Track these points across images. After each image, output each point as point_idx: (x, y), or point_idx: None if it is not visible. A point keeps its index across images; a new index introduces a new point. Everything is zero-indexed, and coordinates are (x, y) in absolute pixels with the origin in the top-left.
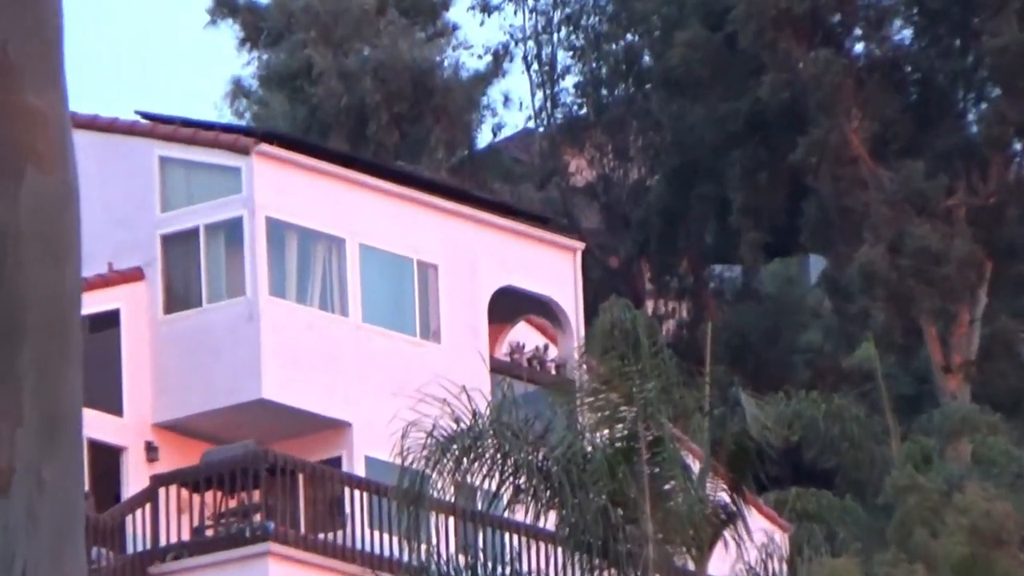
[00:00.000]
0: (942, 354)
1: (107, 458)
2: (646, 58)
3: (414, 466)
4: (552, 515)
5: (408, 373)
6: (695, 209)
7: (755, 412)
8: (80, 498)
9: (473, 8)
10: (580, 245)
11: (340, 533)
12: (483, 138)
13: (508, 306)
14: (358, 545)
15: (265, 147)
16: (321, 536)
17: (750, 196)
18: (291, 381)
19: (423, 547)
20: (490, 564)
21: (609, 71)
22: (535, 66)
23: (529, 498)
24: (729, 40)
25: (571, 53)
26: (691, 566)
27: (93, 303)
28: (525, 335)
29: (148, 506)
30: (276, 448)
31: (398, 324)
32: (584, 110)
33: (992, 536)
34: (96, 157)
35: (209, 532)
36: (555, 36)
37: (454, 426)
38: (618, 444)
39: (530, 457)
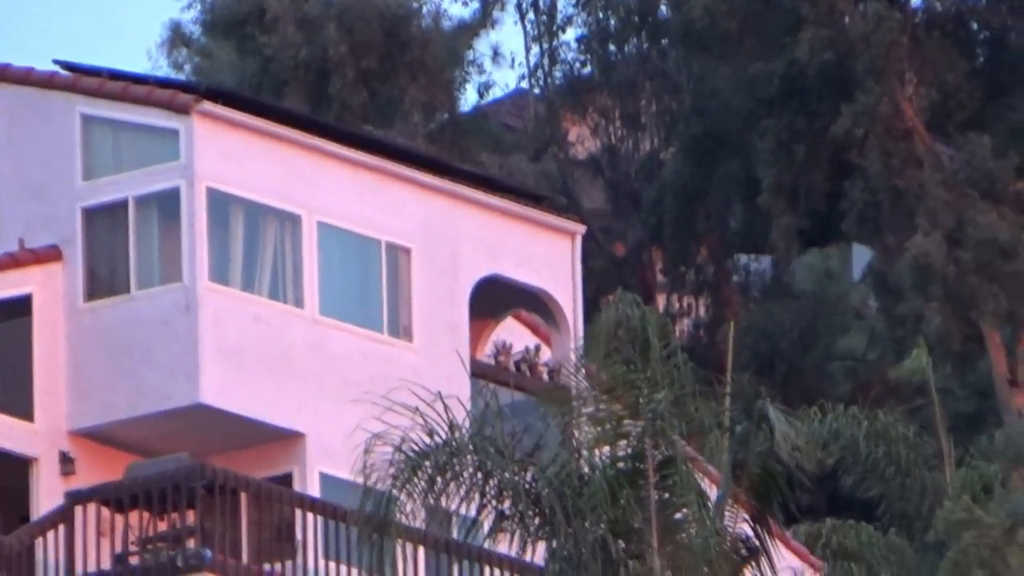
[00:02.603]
0: (1007, 365)
1: (14, 471)
2: (663, 8)
3: (379, 486)
4: (541, 547)
5: (373, 376)
6: (717, 188)
7: (784, 429)
8: None
9: None
10: (580, 228)
11: (290, 563)
12: (467, 100)
13: (493, 299)
14: None
15: (208, 106)
16: (267, 567)
17: (783, 174)
18: (234, 383)
19: None
20: None
21: (618, 23)
22: (531, 15)
23: (514, 526)
24: None
25: (574, 0)
26: None
27: (0, 287)
28: (513, 334)
29: (62, 528)
30: (215, 462)
31: (362, 318)
32: (588, 69)
33: None
34: (6, 115)
35: (134, 560)
36: None
37: (427, 440)
38: (621, 464)
39: (516, 478)
